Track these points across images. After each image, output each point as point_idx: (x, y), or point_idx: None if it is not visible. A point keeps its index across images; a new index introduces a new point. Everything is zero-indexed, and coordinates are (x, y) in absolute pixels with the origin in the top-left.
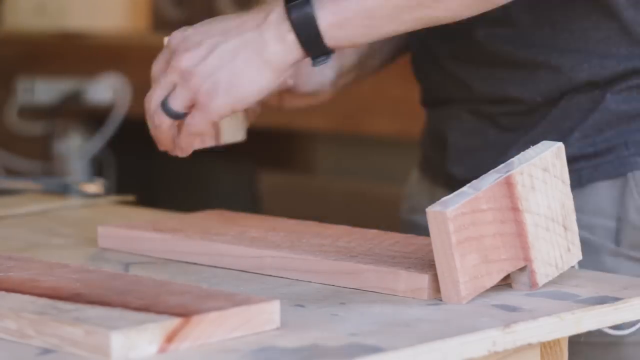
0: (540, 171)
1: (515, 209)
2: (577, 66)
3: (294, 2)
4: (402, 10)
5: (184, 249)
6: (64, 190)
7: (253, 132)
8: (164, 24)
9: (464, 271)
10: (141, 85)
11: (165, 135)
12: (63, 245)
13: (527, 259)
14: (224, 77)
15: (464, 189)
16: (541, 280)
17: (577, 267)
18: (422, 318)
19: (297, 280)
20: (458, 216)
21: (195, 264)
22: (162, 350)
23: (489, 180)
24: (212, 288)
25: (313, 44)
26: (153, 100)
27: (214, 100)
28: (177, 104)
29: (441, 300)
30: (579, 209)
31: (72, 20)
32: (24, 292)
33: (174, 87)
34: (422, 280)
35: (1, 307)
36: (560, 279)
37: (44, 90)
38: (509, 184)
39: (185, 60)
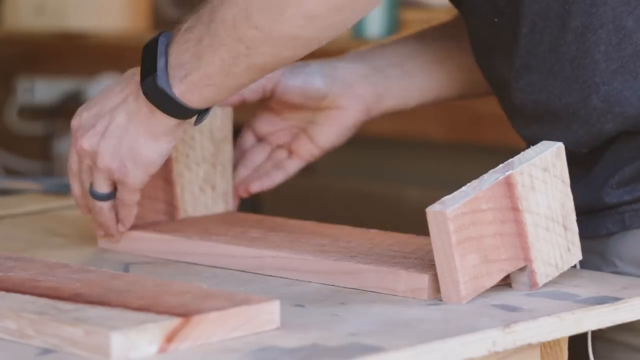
0: (540, 171)
1: (515, 209)
2: (602, 117)
3: (144, 79)
4: (229, 63)
5: (184, 249)
6: (64, 190)
7: None
8: (164, 24)
9: (464, 271)
10: None
11: (107, 217)
12: (63, 245)
13: (527, 259)
14: (125, 152)
15: (464, 188)
16: (541, 280)
17: (578, 266)
18: (422, 318)
19: (297, 280)
20: (458, 216)
21: (195, 264)
22: (162, 350)
23: (489, 180)
24: (212, 288)
25: (177, 111)
26: (78, 189)
27: (128, 176)
28: (101, 186)
29: (441, 300)
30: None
31: (72, 20)
32: (24, 292)
33: (92, 171)
34: (422, 280)
35: (1, 307)
36: (560, 279)
37: (44, 90)
38: (509, 183)
39: (86, 143)
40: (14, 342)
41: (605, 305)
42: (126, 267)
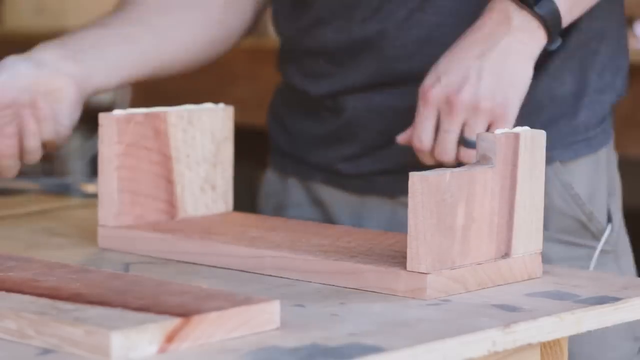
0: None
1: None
2: None
3: (538, 2)
4: None
5: (184, 249)
6: (64, 190)
7: (253, 132)
8: None
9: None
10: (141, 85)
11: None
12: (63, 245)
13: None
14: (506, 84)
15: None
16: None
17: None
18: (422, 318)
19: (297, 280)
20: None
21: (195, 263)
22: (162, 350)
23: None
24: (212, 288)
25: (555, 32)
26: (450, 144)
27: (510, 107)
28: (479, 131)
29: (441, 300)
30: None
31: (72, 20)
32: (24, 292)
33: (464, 125)
34: (422, 280)
35: (1, 307)
36: (560, 278)
37: None
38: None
39: (465, 95)
40: (14, 342)
41: (605, 305)
42: (126, 267)
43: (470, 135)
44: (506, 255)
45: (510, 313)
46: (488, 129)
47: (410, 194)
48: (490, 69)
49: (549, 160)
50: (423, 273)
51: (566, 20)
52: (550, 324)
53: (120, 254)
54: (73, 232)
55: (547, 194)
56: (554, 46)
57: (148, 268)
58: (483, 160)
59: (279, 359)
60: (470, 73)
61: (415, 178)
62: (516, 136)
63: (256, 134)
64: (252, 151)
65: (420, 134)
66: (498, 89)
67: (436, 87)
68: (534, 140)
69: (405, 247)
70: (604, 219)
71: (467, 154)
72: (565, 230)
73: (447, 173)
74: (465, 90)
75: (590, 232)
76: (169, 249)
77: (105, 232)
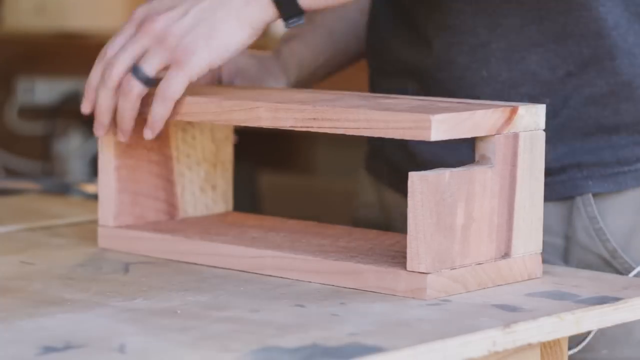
0: None
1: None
2: None
3: None
4: None
5: (184, 249)
6: (64, 190)
7: (253, 132)
8: None
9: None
10: None
11: (131, 106)
12: (63, 245)
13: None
14: (201, 33)
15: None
16: None
17: None
18: (422, 318)
19: (297, 280)
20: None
21: (195, 264)
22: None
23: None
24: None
25: (286, 5)
26: (118, 66)
27: (193, 56)
28: (151, 67)
29: (441, 300)
30: None
31: (72, 20)
32: None
33: (144, 52)
34: (422, 280)
35: None
36: (560, 278)
37: (44, 90)
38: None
39: (159, 22)
40: (15, 341)
41: (605, 305)
42: (126, 267)
43: (143, 65)
44: (506, 255)
45: (510, 313)
46: (167, 70)
47: (409, 194)
48: (196, 13)
49: (584, 190)
50: (423, 273)
51: (306, 4)
52: (550, 324)
53: (120, 254)
54: (73, 232)
55: (570, 225)
56: (291, 24)
57: (148, 268)
58: (482, 160)
59: (279, 359)
60: (177, 8)
61: (414, 177)
62: (515, 136)
63: (256, 134)
64: (252, 151)
65: (109, 45)
66: (191, 34)
67: (143, 7)
68: (533, 140)
69: (405, 247)
70: (637, 257)
71: (128, 86)
72: (587, 265)
73: (446, 172)
74: (160, 20)
75: (613, 268)
76: (169, 249)
77: (105, 232)
